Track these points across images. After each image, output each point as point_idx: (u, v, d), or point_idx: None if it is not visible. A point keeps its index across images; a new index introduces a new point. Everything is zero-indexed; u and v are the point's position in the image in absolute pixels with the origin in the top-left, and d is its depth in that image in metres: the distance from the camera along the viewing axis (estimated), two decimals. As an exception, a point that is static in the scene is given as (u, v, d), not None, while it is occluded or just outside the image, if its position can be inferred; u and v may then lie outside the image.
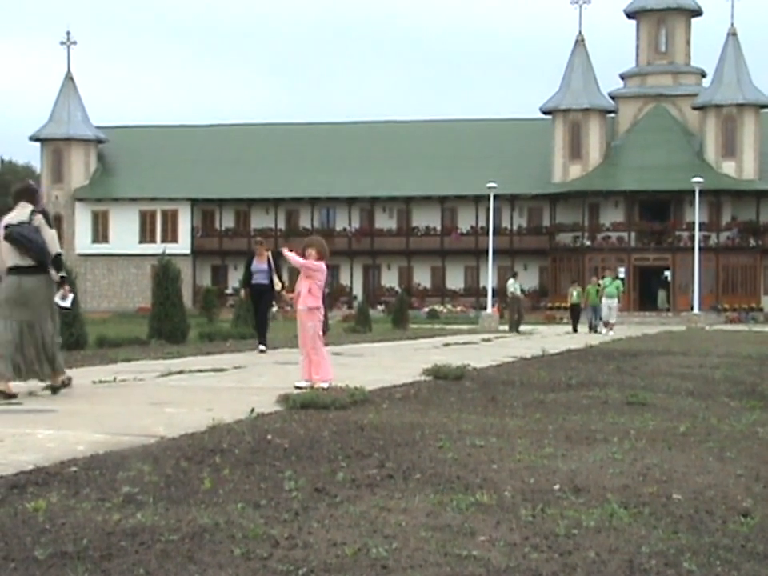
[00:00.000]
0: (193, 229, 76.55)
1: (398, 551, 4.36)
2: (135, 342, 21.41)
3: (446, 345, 24.05)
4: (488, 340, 27.94)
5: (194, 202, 75.70)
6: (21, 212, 10.57)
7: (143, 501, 5.22)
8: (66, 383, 10.70)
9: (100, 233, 77.32)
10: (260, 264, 19.93)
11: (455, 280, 74.63)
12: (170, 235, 75.56)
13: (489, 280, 53.39)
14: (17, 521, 4.76)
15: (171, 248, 50.05)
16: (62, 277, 10.57)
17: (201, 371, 13.99)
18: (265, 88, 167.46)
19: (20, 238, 10.33)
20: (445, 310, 68.08)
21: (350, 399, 9.66)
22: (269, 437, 7.38)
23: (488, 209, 59.21)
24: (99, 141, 79.39)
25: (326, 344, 12.19)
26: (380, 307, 66.01)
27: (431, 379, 12.77)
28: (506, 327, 40.12)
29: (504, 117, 79.68)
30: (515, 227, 73.47)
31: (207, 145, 78.87)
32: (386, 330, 36.58)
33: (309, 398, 9.48)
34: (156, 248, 58.44)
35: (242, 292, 20.99)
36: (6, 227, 10.44)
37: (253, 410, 8.82)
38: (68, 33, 79.24)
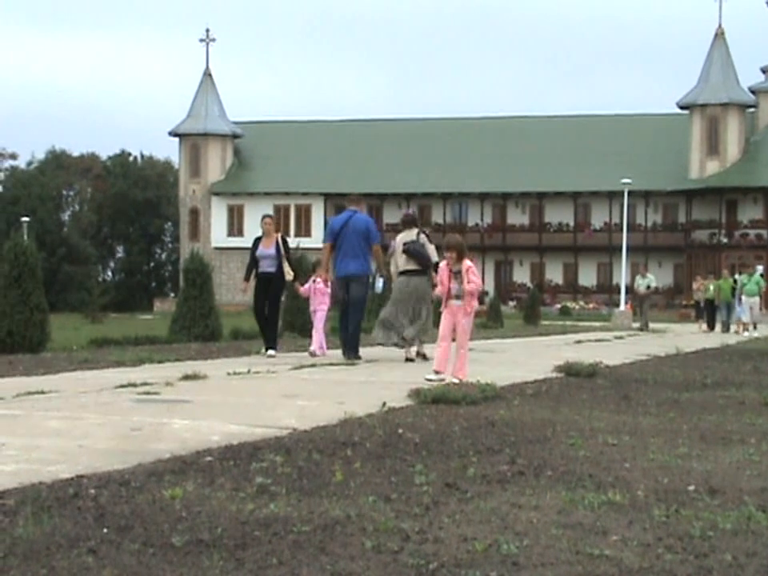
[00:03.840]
0: (326, 223, 77.27)
1: (528, 548, 4.33)
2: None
3: (578, 342, 23.81)
4: (621, 337, 27.59)
5: (327, 196, 76.40)
6: (409, 233, 15.24)
7: (276, 491, 5.28)
8: (422, 355, 15.14)
9: (235, 226, 78.59)
10: (267, 248, 16.55)
11: (588, 277, 73.91)
12: (304, 229, 76.45)
13: (622, 277, 52.68)
14: (155, 508, 4.86)
15: (305, 242, 50.53)
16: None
17: (332, 365, 14.12)
18: (394, 84, 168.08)
19: (415, 252, 14.90)
20: (577, 307, 67.44)
21: (481, 395, 9.64)
22: (400, 431, 7.40)
23: (622, 205, 58.46)
24: (235, 136, 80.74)
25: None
26: (512, 303, 65.76)
27: (563, 376, 12.66)
28: (638, 324, 39.55)
29: (639, 112, 78.60)
30: (649, 224, 72.44)
31: (340, 140, 79.50)
32: (518, 325, 36.39)
33: (440, 392, 9.49)
34: (289, 242, 59.14)
35: (244, 284, 17.22)
36: (405, 244, 15.00)
37: (384, 403, 8.87)
38: (207, 30, 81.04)
